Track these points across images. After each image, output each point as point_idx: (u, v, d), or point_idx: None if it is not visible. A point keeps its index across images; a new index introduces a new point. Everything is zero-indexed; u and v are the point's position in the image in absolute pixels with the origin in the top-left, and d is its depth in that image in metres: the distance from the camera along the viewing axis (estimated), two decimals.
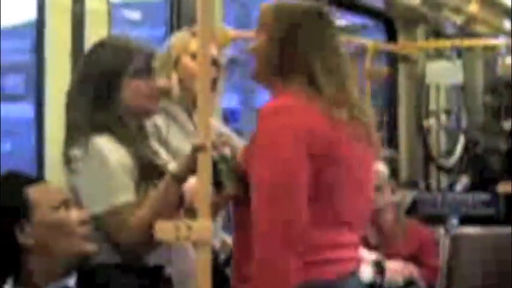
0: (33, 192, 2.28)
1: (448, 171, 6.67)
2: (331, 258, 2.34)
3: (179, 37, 3.36)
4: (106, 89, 2.62)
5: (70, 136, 2.61)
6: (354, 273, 2.42)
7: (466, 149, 6.75)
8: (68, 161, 2.58)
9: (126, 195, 2.52)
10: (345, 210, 2.36)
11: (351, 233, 2.40)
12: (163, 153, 2.79)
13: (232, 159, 2.42)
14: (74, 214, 2.31)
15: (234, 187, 2.39)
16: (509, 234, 4.63)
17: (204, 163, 2.14)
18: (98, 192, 2.52)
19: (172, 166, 2.57)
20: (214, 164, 2.27)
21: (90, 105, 2.60)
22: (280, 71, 2.36)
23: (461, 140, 6.77)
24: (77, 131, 2.59)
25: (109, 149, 2.54)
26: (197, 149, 2.09)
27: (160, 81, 2.76)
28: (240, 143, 3.58)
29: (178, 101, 3.27)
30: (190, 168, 2.37)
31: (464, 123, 6.93)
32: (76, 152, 2.56)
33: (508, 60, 5.99)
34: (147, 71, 2.68)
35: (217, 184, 2.31)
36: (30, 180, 2.33)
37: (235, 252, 2.50)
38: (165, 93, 3.12)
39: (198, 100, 2.09)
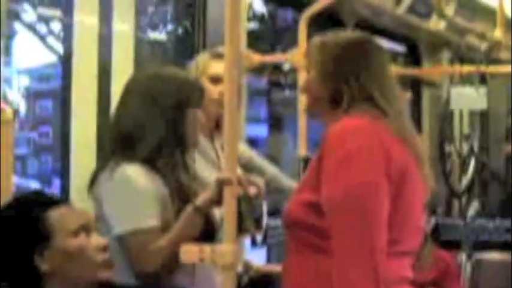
0: (53, 217, 2.23)
1: (459, 195, 6.63)
2: None
3: (199, 60, 3.24)
4: (176, 121, 2.62)
5: (103, 161, 2.65)
6: None
7: (478, 173, 6.72)
8: (92, 183, 2.61)
9: (151, 220, 2.52)
10: (409, 239, 2.27)
11: (410, 267, 2.29)
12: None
13: (255, 199, 2.40)
14: (94, 240, 2.26)
15: (254, 227, 2.37)
16: None
17: (230, 194, 2.10)
18: (123, 213, 2.53)
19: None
20: (237, 203, 2.19)
21: (157, 135, 2.59)
22: (333, 104, 2.31)
23: (472, 165, 6.73)
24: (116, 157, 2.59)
25: (137, 173, 2.54)
26: (222, 183, 2.07)
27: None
28: (268, 167, 3.57)
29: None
30: (214, 201, 2.39)
31: (476, 147, 6.89)
32: (102, 176, 2.59)
33: None
34: (199, 102, 2.69)
35: (238, 223, 2.20)
36: (53, 202, 2.29)
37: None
38: None
39: (225, 132, 2.04)
